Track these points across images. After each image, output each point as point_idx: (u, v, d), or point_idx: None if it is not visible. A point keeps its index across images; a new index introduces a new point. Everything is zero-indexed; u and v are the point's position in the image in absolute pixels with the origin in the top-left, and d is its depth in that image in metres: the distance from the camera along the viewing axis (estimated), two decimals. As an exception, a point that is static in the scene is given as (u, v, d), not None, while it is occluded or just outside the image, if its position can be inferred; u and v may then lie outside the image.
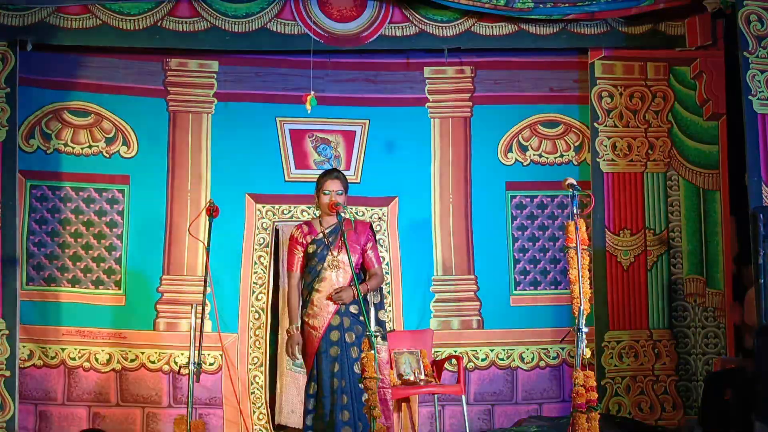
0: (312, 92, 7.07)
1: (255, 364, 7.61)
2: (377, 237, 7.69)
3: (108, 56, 7.68)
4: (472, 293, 7.85)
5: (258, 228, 7.78)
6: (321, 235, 6.07)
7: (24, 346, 7.30)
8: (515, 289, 7.89)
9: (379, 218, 7.84)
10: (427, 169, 7.95)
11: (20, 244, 7.36)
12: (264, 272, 7.73)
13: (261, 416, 7.55)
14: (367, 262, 6.12)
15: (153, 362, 7.53)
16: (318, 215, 6.23)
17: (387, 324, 7.42)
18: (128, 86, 7.73)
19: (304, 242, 6.11)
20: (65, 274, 7.56)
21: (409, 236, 7.87)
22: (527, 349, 7.82)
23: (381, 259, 6.22)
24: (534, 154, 8.00)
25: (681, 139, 7.86)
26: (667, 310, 7.76)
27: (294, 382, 7.59)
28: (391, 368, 7.26)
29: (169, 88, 7.78)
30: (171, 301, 7.59)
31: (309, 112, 7.07)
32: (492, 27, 7.73)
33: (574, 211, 5.61)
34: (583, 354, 5.49)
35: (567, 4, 7.49)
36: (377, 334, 5.99)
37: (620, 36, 7.75)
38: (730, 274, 7.67)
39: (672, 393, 7.68)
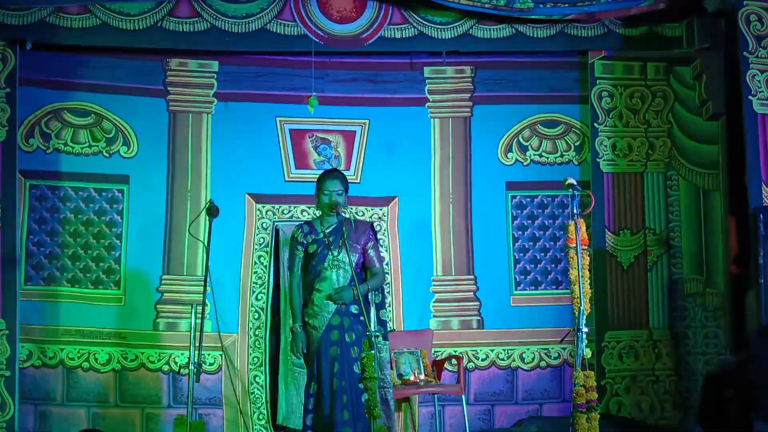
0: (314, 93, 7.08)
1: (255, 364, 7.61)
2: (378, 237, 7.72)
3: (108, 56, 7.68)
4: (472, 293, 7.85)
5: (258, 228, 7.78)
6: (321, 235, 6.07)
7: (23, 346, 7.29)
8: (515, 289, 7.89)
9: (379, 218, 7.84)
10: (427, 169, 7.95)
11: (20, 243, 7.35)
12: (264, 272, 7.73)
13: (261, 416, 7.54)
14: (368, 262, 6.11)
15: (153, 362, 7.53)
16: (319, 215, 6.23)
17: (388, 324, 7.43)
18: (128, 86, 7.73)
19: (305, 242, 6.10)
20: (64, 274, 7.56)
21: (409, 236, 7.87)
22: (527, 349, 7.82)
23: (382, 258, 6.20)
24: (534, 154, 8.00)
25: (681, 139, 7.86)
26: (667, 310, 7.76)
27: (294, 382, 7.59)
28: (392, 368, 7.26)
29: (169, 88, 7.78)
30: (171, 301, 7.59)
31: (311, 113, 7.07)
32: (490, 30, 7.73)
33: (575, 211, 5.62)
34: (583, 354, 5.49)
35: (567, 5, 7.49)
36: (377, 334, 5.99)
37: (618, 38, 7.75)
38: (730, 274, 7.67)
39: (672, 393, 7.68)
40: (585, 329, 5.52)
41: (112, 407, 7.46)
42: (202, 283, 6.32)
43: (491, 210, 7.95)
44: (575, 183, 5.70)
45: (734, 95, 7.38)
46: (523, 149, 8.00)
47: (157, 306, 7.60)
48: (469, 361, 7.76)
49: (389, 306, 7.69)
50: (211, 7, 7.56)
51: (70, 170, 7.64)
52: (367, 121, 7.94)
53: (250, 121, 7.82)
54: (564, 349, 7.73)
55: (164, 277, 7.64)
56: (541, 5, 7.46)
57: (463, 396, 7.34)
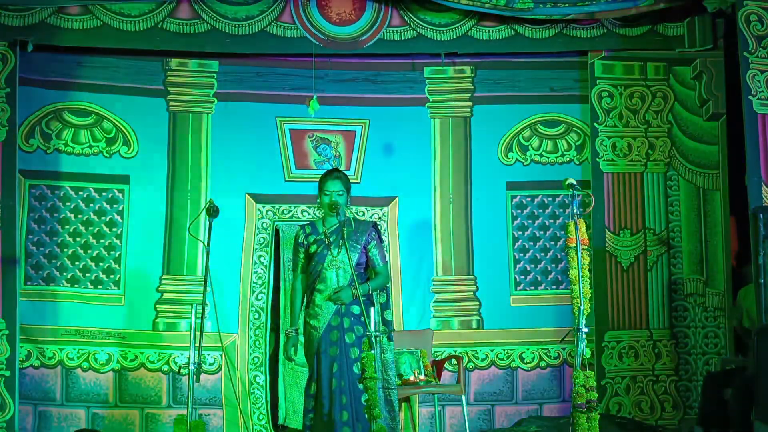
0: (314, 95, 7.08)
1: (255, 364, 7.61)
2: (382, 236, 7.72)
3: (108, 56, 7.69)
4: (472, 293, 7.85)
5: (258, 228, 7.78)
6: (322, 235, 6.07)
7: (23, 346, 7.29)
8: (515, 289, 7.89)
9: (379, 218, 7.84)
10: (427, 169, 7.95)
11: (19, 243, 7.35)
12: (264, 272, 7.73)
13: (261, 416, 7.54)
14: (371, 262, 6.10)
15: (153, 362, 7.53)
16: (321, 216, 6.22)
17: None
18: (128, 86, 7.73)
19: (306, 243, 6.11)
20: (64, 274, 7.56)
21: (409, 236, 7.87)
22: (527, 349, 7.82)
23: (386, 257, 6.18)
24: (534, 154, 8.00)
25: (681, 139, 7.86)
26: (667, 310, 7.75)
27: (296, 382, 7.59)
28: (392, 368, 7.26)
29: (169, 88, 7.79)
30: (171, 301, 7.59)
31: (312, 115, 7.08)
32: (489, 31, 7.73)
33: (575, 211, 5.62)
34: (583, 354, 5.49)
35: (567, 5, 7.49)
36: (377, 334, 5.98)
37: (617, 38, 7.75)
38: (730, 274, 7.67)
39: (672, 393, 7.68)
40: (585, 329, 5.52)
41: (111, 407, 7.47)
42: (202, 283, 6.32)
43: (491, 210, 7.95)
44: (575, 183, 5.70)
45: (734, 95, 7.39)
46: (524, 149, 8.00)
47: (157, 306, 7.60)
48: (469, 361, 7.76)
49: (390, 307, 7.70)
50: (211, 9, 7.56)
51: (70, 170, 7.64)
52: (367, 121, 7.94)
53: (250, 121, 7.83)
54: (564, 349, 7.73)
55: (164, 277, 7.64)
56: (541, 5, 7.46)
57: (463, 396, 7.34)
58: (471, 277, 7.88)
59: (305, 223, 6.35)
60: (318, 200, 6.13)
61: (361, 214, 7.76)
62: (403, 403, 7.44)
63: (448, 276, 7.87)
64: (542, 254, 7.94)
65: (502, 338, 7.83)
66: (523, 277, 7.92)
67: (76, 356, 7.47)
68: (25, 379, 7.31)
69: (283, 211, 7.80)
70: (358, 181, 7.84)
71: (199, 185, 7.75)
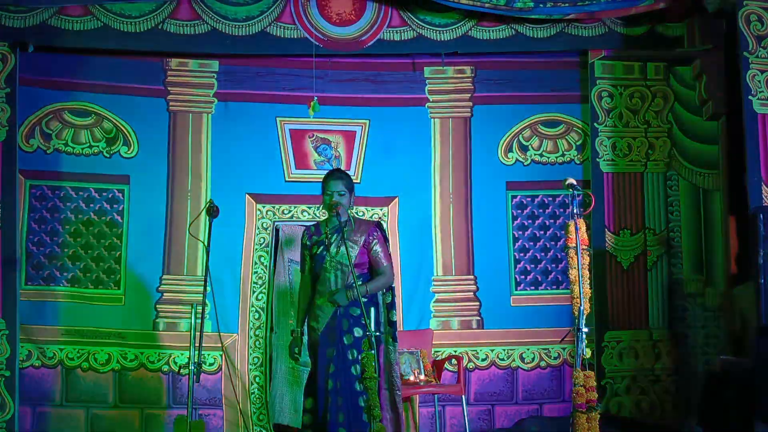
0: (315, 97, 7.08)
1: (255, 364, 7.61)
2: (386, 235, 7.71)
3: (108, 56, 7.69)
4: (472, 293, 7.85)
5: (258, 228, 7.79)
6: (324, 236, 6.07)
7: (23, 346, 7.29)
8: (516, 289, 7.89)
9: (380, 218, 7.84)
10: (428, 169, 7.95)
11: (20, 243, 7.36)
12: (264, 272, 7.73)
13: (261, 417, 7.54)
14: (373, 262, 6.09)
15: (153, 362, 7.53)
16: (326, 217, 6.20)
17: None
18: (128, 86, 7.74)
19: (309, 244, 6.13)
20: (65, 274, 7.57)
21: (409, 236, 7.87)
22: (527, 349, 7.82)
23: (390, 257, 6.14)
24: (535, 154, 8.00)
25: (681, 139, 7.86)
26: (667, 310, 7.75)
27: (297, 381, 7.59)
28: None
29: (169, 88, 7.79)
30: (171, 301, 7.60)
31: (312, 116, 7.08)
32: (489, 31, 7.74)
33: (575, 211, 5.62)
34: (583, 354, 5.49)
35: (567, 4, 7.49)
36: (379, 334, 5.99)
37: (618, 38, 7.75)
38: (730, 275, 7.67)
39: (672, 393, 7.67)
40: (585, 329, 5.52)
41: (111, 407, 7.47)
42: (202, 283, 6.33)
43: (492, 210, 7.95)
44: (575, 183, 5.70)
45: (734, 95, 7.39)
46: (524, 149, 8.00)
47: (157, 306, 7.60)
48: (469, 361, 7.76)
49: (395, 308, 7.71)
50: (211, 10, 7.57)
51: (70, 170, 7.65)
52: (368, 121, 7.94)
53: (250, 121, 7.83)
54: (564, 349, 7.73)
55: (164, 277, 7.64)
56: (541, 5, 7.46)
57: (463, 396, 7.34)
58: (471, 277, 7.88)
59: (311, 224, 6.35)
60: (322, 200, 6.13)
61: (361, 214, 7.76)
62: (403, 403, 7.44)
63: (448, 276, 7.88)
64: (542, 254, 7.94)
65: (502, 338, 7.83)
66: (523, 277, 7.92)
67: (76, 356, 7.47)
68: (24, 380, 7.31)
69: (283, 211, 7.81)
70: (358, 181, 7.84)
71: (199, 185, 7.75)
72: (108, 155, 7.71)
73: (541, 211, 7.98)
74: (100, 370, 7.49)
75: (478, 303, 7.84)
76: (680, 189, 7.85)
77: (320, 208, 6.28)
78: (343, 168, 7.75)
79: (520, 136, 8.01)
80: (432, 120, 7.99)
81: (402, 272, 7.81)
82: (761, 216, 6.69)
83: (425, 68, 8.00)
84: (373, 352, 5.71)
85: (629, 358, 7.68)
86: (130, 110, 7.73)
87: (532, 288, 7.90)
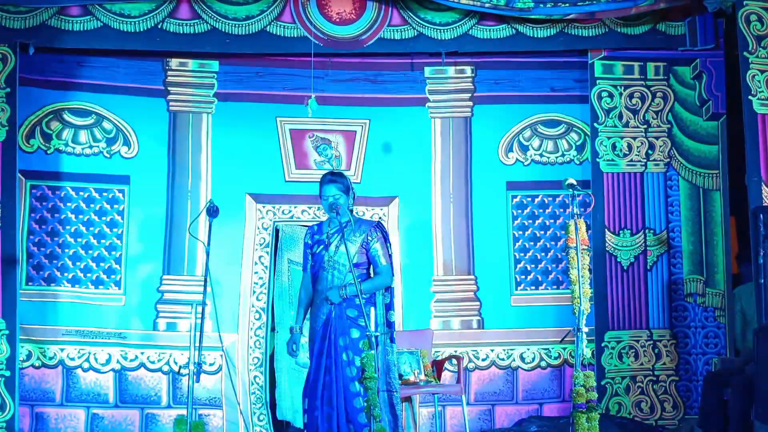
0: (312, 95, 7.08)
1: (255, 364, 7.61)
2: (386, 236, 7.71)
3: (108, 56, 7.69)
4: (473, 293, 7.85)
5: (258, 228, 7.78)
6: (325, 235, 6.09)
7: (23, 346, 7.29)
8: (516, 289, 7.89)
9: (380, 218, 7.84)
10: (428, 169, 7.95)
11: (20, 244, 7.36)
12: (264, 272, 7.73)
13: (261, 417, 7.54)
14: (372, 261, 6.10)
15: (153, 362, 7.53)
16: (329, 217, 6.21)
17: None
18: (129, 86, 7.74)
19: (311, 243, 6.14)
20: (65, 274, 7.57)
21: (409, 236, 7.87)
22: (528, 349, 7.82)
23: (390, 257, 6.13)
24: (535, 154, 8.00)
25: (681, 139, 7.86)
26: (667, 310, 7.75)
27: (298, 380, 7.60)
28: (392, 368, 7.26)
29: (169, 88, 7.79)
30: (171, 301, 7.60)
31: (310, 115, 7.08)
32: (490, 30, 7.73)
33: (575, 211, 5.62)
34: (583, 354, 5.49)
35: (567, 4, 7.48)
36: (378, 334, 5.98)
37: (618, 37, 7.74)
38: (730, 274, 7.67)
39: (672, 393, 7.68)
40: (585, 329, 5.52)
41: (111, 407, 7.47)
42: (202, 283, 6.33)
43: (492, 210, 7.95)
44: (575, 183, 5.70)
45: (734, 95, 7.39)
46: (524, 149, 8.00)
47: (158, 306, 7.61)
48: (470, 361, 7.76)
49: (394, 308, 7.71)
50: (211, 9, 7.56)
51: (70, 170, 7.65)
52: (368, 121, 7.94)
53: (250, 121, 7.83)
54: (564, 349, 7.73)
55: (164, 277, 7.65)
56: (541, 5, 7.45)
57: (463, 396, 7.34)
58: (471, 276, 7.88)
59: (314, 223, 6.35)
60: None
61: (361, 214, 7.76)
62: (403, 403, 7.44)
63: (449, 276, 7.87)
64: (542, 254, 7.94)
65: (502, 338, 7.83)
66: (523, 277, 7.91)
67: (77, 356, 7.48)
68: (24, 380, 7.31)
69: (283, 211, 7.80)
70: (358, 181, 7.84)
71: (199, 185, 7.75)
72: (108, 155, 7.71)
73: (541, 211, 7.98)
74: (101, 370, 7.49)
75: (478, 303, 7.84)
76: (680, 189, 7.85)
77: (319, 209, 6.28)
78: (342, 168, 7.76)
79: (520, 136, 8.01)
80: (432, 120, 7.99)
81: (402, 272, 7.81)
82: (761, 216, 6.70)
83: (425, 68, 7.99)
84: (373, 352, 5.71)
85: (629, 358, 7.68)
86: (130, 110, 7.73)
87: (533, 288, 7.90)
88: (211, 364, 7.57)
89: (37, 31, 7.33)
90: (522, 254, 7.93)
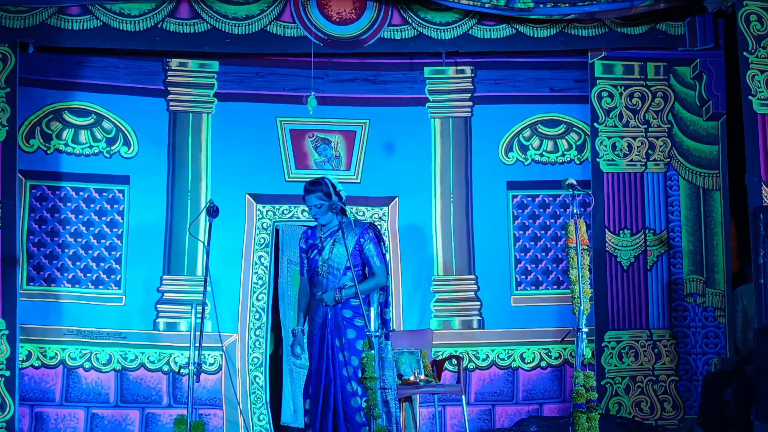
0: (312, 93, 7.08)
1: (255, 364, 7.61)
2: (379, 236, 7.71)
3: (108, 56, 7.69)
4: (473, 293, 7.85)
5: (258, 228, 7.78)
6: (318, 240, 6.12)
7: (23, 346, 7.29)
8: (516, 289, 7.88)
9: (380, 218, 7.84)
10: (428, 169, 7.95)
11: (20, 244, 7.36)
12: (264, 272, 7.73)
13: (262, 417, 7.55)
14: (366, 262, 6.11)
15: (153, 362, 7.53)
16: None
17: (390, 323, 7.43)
18: (128, 86, 7.74)
19: (305, 247, 6.20)
20: (65, 274, 7.57)
21: (409, 236, 7.87)
22: (528, 349, 7.82)
23: (384, 257, 6.16)
24: (535, 154, 8.00)
25: (681, 139, 7.86)
26: (667, 310, 7.75)
27: (297, 382, 7.61)
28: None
29: (169, 88, 7.79)
30: (171, 301, 7.60)
31: (311, 113, 7.08)
32: (490, 30, 7.73)
33: (575, 211, 5.62)
34: (583, 354, 5.50)
35: (567, 5, 7.48)
36: (378, 333, 6.01)
37: (618, 37, 7.74)
38: (730, 274, 7.67)
39: (672, 393, 7.68)
40: (585, 329, 5.53)
41: (112, 407, 7.47)
42: (202, 283, 6.33)
43: (492, 210, 7.94)
44: (575, 183, 5.71)
45: (734, 95, 7.39)
46: (524, 149, 8.00)
47: (158, 306, 7.61)
48: (470, 361, 7.76)
49: (390, 306, 7.70)
50: (211, 9, 7.56)
51: (70, 170, 7.65)
52: (368, 121, 7.94)
53: (250, 121, 7.83)
54: (564, 349, 7.73)
55: (164, 277, 7.65)
56: (541, 5, 7.45)
57: (464, 396, 7.34)
58: (472, 276, 7.88)
59: (307, 227, 6.37)
60: None
61: (361, 214, 7.76)
62: (403, 403, 7.45)
63: (449, 276, 7.88)
64: (543, 254, 7.93)
65: (502, 338, 7.83)
66: (523, 276, 7.91)
67: (78, 356, 7.48)
68: (24, 380, 7.31)
69: (283, 211, 7.80)
70: (358, 181, 7.84)
71: (199, 185, 7.75)
72: (108, 155, 7.71)
73: (541, 210, 7.98)
74: (102, 370, 7.49)
75: (478, 303, 7.84)
76: (680, 189, 7.85)
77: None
78: (343, 167, 7.77)
79: (521, 135, 8.00)
80: (432, 120, 7.99)
81: (402, 272, 7.81)
82: (761, 216, 6.70)
83: (425, 68, 7.99)
84: (373, 352, 5.74)
85: (629, 358, 7.68)
86: (130, 110, 7.73)
87: (533, 288, 7.90)
88: (211, 364, 7.57)
89: (36, 31, 7.33)
90: (522, 254, 7.93)
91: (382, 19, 7.72)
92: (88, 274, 7.60)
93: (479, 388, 7.78)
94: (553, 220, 7.96)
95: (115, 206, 7.69)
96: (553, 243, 7.93)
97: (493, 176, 7.95)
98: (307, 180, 6.24)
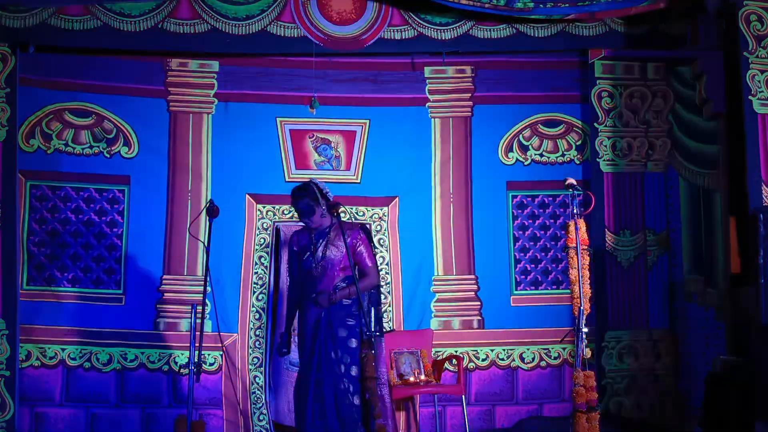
0: (314, 96, 7.08)
1: (255, 364, 7.62)
2: (376, 237, 7.73)
3: (109, 57, 7.69)
4: (473, 293, 7.85)
5: (258, 228, 7.79)
6: (311, 241, 6.16)
7: (22, 347, 7.30)
8: (516, 289, 7.89)
9: (380, 218, 7.84)
10: (428, 169, 7.95)
11: (20, 244, 7.36)
12: (264, 272, 7.73)
13: (261, 417, 7.55)
14: (358, 264, 6.17)
15: (153, 362, 7.54)
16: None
17: (385, 323, 7.46)
18: (129, 86, 7.75)
19: (297, 249, 6.26)
20: (65, 274, 7.57)
21: (409, 236, 7.87)
22: (528, 349, 7.82)
23: (374, 258, 6.24)
24: (535, 154, 8.00)
25: (681, 139, 7.86)
26: (667, 310, 7.76)
27: (291, 381, 7.61)
28: (391, 368, 7.27)
29: (169, 89, 7.79)
30: (171, 301, 7.60)
31: (313, 114, 7.09)
32: (490, 30, 7.74)
33: (575, 211, 5.63)
34: (583, 354, 5.50)
35: (567, 5, 7.49)
36: (378, 334, 6.04)
37: (619, 37, 7.75)
38: (730, 275, 7.67)
39: (672, 393, 7.68)
40: (585, 329, 5.53)
41: (112, 407, 7.47)
42: (202, 283, 6.34)
43: (492, 210, 7.95)
44: (575, 183, 5.72)
45: (734, 95, 7.39)
46: (524, 149, 8.00)
47: (158, 306, 7.61)
48: (470, 361, 7.76)
49: (389, 306, 7.71)
50: (211, 9, 7.57)
51: (70, 170, 7.65)
52: (368, 121, 7.94)
53: (250, 122, 7.83)
54: (564, 349, 7.73)
55: (164, 277, 7.65)
56: (541, 5, 7.46)
57: (464, 396, 7.34)
58: (472, 276, 7.88)
59: (298, 229, 6.41)
60: None
61: (361, 214, 7.77)
62: (403, 403, 7.46)
63: (449, 276, 7.88)
64: (543, 254, 7.94)
65: (502, 338, 7.83)
66: (523, 276, 7.92)
67: (78, 356, 7.48)
68: (23, 380, 7.31)
69: (283, 211, 7.80)
70: (358, 181, 7.85)
71: (199, 185, 7.76)
72: (108, 155, 7.72)
73: (541, 211, 7.98)
74: (102, 370, 7.49)
75: (478, 303, 7.84)
76: (680, 189, 7.85)
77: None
78: (342, 168, 7.78)
79: (521, 135, 8.01)
80: (432, 120, 7.99)
81: (402, 272, 7.82)
82: (761, 216, 6.70)
83: (425, 68, 7.99)
84: (373, 352, 5.78)
85: (629, 358, 7.68)
86: (130, 110, 7.73)
87: (533, 288, 7.90)
88: (211, 364, 7.57)
89: (36, 31, 7.34)
90: (522, 254, 7.93)
91: (382, 19, 7.73)
92: (88, 274, 7.60)
93: (479, 388, 7.78)
94: (552, 221, 7.97)
95: (115, 206, 7.70)
96: (553, 243, 7.93)
97: (492, 176, 7.96)
98: (295, 186, 6.31)
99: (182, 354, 7.47)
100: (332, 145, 7.92)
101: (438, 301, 7.84)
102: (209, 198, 7.44)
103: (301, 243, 6.23)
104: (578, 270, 5.62)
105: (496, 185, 7.96)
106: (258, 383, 7.59)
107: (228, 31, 7.57)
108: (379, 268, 7.57)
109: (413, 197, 7.92)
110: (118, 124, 7.74)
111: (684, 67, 7.85)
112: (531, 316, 7.84)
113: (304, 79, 7.64)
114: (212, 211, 6.32)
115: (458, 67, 8.00)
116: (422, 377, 7.31)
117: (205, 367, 7.39)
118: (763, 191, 6.96)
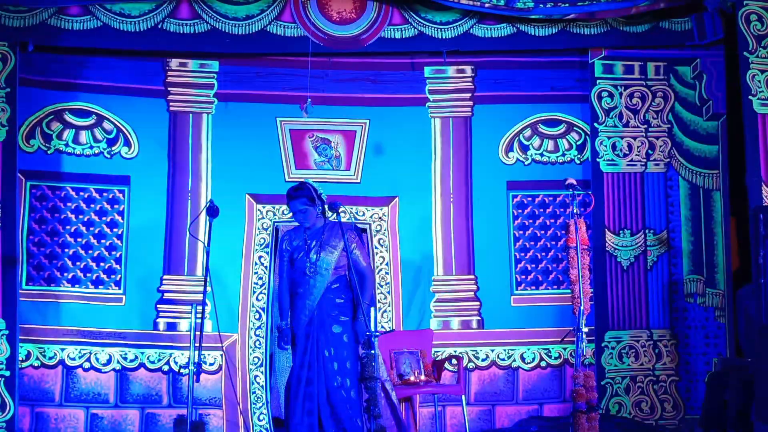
0: (309, 99, 7.09)
1: (255, 364, 7.62)
2: (376, 237, 7.74)
3: (109, 57, 7.70)
4: (473, 293, 7.85)
5: (258, 228, 7.79)
6: (304, 242, 6.20)
7: (22, 347, 7.30)
8: (516, 289, 7.89)
9: (380, 218, 7.84)
10: (428, 169, 7.95)
11: (20, 244, 7.36)
12: (264, 272, 7.73)
13: (261, 417, 7.55)
14: (352, 264, 6.20)
15: (153, 362, 7.54)
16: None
17: (385, 323, 7.48)
18: (129, 86, 7.74)
19: (289, 249, 6.30)
20: (65, 274, 7.57)
21: (410, 236, 7.87)
22: (528, 349, 7.82)
23: (368, 257, 6.31)
24: (535, 153, 8.00)
25: (681, 139, 7.87)
26: (667, 310, 7.76)
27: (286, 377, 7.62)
28: (391, 368, 7.27)
29: (169, 89, 7.79)
30: (171, 301, 7.60)
31: (305, 116, 7.10)
32: (491, 29, 7.74)
33: (575, 211, 5.63)
34: (583, 354, 5.50)
35: (567, 4, 7.48)
36: (378, 334, 6.06)
37: (619, 36, 7.75)
38: (730, 275, 7.67)
39: (672, 393, 7.68)
40: (585, 329, 5.53)
41: (111, 407, 7.48)
42: (202, 283, 6.34)
43: (492, 209, 7.94)
44: (575, 183, 5.72)
45: (734, 95, 7.40)
46: (524, 148, 8.00)
47: (158, 306, 7.61)
48: (470, 361, 7.76)
49: (389, 306, 7.71)
50: (211, 9, 7.56)
51: (71, 171, 7.65)
52: (367, 121, 7.94)
53: (250, 121, 7.83)
54: (564, 349, 7.73)
55: (164, 277, 7.65)
56: (541, 5, 7.46)
57: (464, 396, 7.34)
58: (471, 276, 7.88)
59: (290, 229, 6.44)
60: None
61: (361, 214, 7.77)
62: (403, 403, 7.45)
63: (449, 276, 7.87)
64: (543, 254, 7.94)
65: (502, 338, 7.83)
66: (523, 276, 7.91)
67: (77, 356, 7.48)
68: (24, 380, 7.31)
69: (283, 211, 7.80)
70: (358, 181, 7.85)
71: (199, 185, 7.76)
72: (108, 156, 7.71)
73: (541, 210, 7.98)
74: (102, 370, 7.50)
75: (478, 303, 7.84)
76: (680, 189, 7.85)
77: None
78: (342, 168, 7.78)
79: (521, 135, 8.01)
80: (432, 120, 7.99)
81: (402, 272, 7.82)
82: (761, 216, 6.69)
83: (425, 68, 7.99)
84: (373, 352, 5.79)
85: (629, 358, 7.68)
86: (130, 110, 7.73)
87: (533, 288, 7.90)
88: (211, 364, 7.57)
89: (36, 30, 7.33)
90: (522, 254, 7.93)
91: (382, 19, 7.73)
92: (88, 274, 7.60)
93: (479, 388, 7.78)
94: (552, 220, 7.96)
95: (116, 206, 7.70)
96: (553, 243, 7.93)
97: (493, 176, 7.95)
98: (290, 186, 6.35)
99: (182, 354, 7.47)
100: (332, 144, 7.92)
101: (437, 300, 7.84)
102: (209, 198, 7.45)
103: (294, 242, 6.28)
104: (578, 270, 5.63)
105: (496, 185, 7.96)
106: (258, 383, 7.59)
107: (228, 31, 7.57)
108: (379, 268, 7.61)
109: (413, 197, 7.92)
110: (118, 124, 7.74)
111: (684, 67, 7.85)
112: (531, 316, 7.84)
113: (304, 79, 7.63)
114: (212, 211, 6.32)
115: (458, 67, 8.00)
116: (422, 377, 7.30)
117: (205, 367, 7.39)
118: (763, 191, 6.96)
